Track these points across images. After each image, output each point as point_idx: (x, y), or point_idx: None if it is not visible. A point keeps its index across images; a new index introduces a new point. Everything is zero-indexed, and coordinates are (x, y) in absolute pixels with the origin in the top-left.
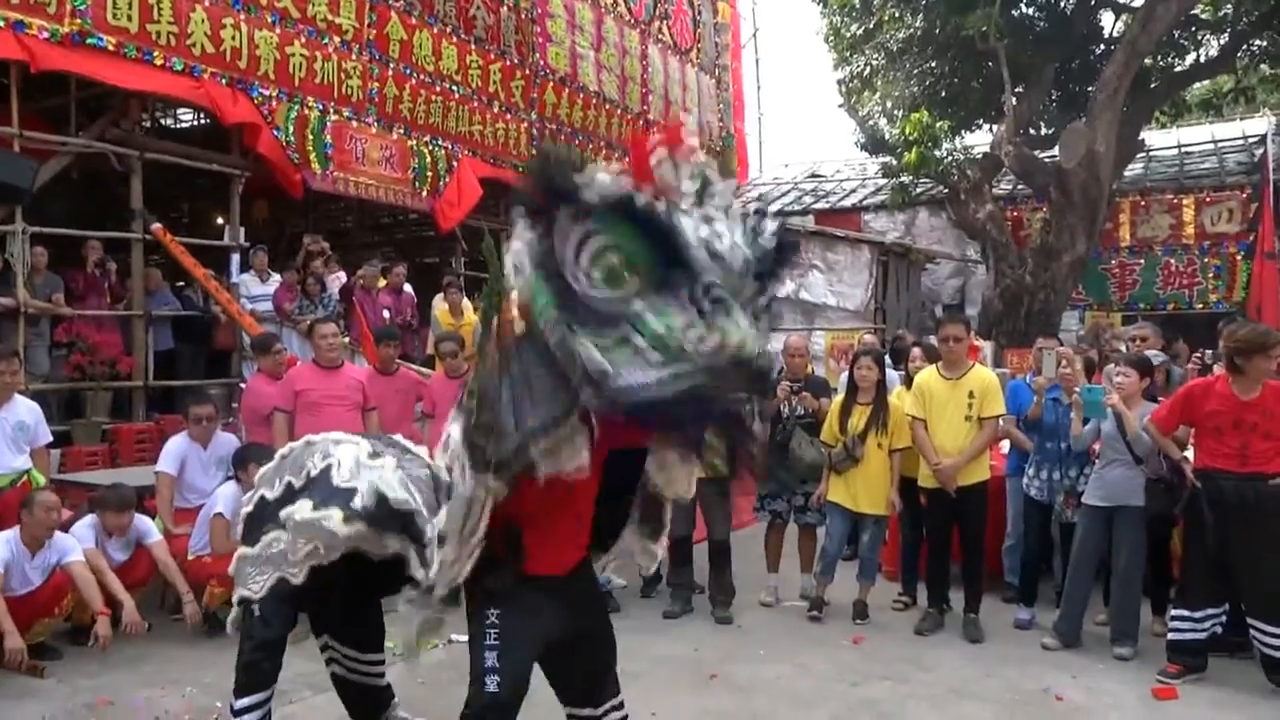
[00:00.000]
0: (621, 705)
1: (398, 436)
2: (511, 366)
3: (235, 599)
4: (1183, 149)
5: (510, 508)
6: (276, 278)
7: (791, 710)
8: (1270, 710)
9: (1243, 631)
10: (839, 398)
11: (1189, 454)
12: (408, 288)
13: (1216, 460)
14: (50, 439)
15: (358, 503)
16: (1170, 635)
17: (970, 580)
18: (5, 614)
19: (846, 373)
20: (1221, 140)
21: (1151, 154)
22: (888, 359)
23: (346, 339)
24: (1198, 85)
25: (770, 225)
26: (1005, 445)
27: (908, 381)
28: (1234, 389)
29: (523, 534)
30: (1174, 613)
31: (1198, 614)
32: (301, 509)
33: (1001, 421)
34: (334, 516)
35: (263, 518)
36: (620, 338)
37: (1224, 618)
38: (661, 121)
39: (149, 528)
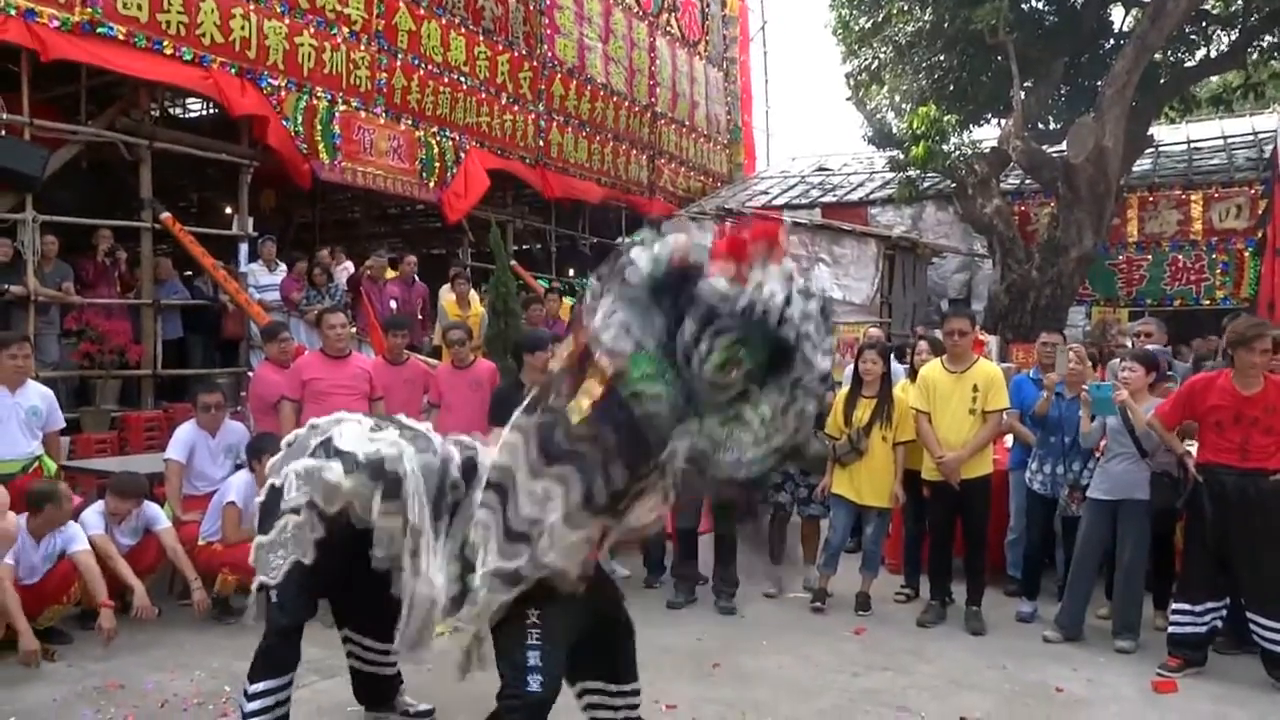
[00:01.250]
0: (638, 692)
1: (402, 416)
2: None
3: (255, 585)
4: (1192, 145)
5: None
6: (284, 267)
7: (793, 700)
8: (1270, 705)
9: (1243, 626)
10: (843, 390)
11: (1192, 449)
12: (419, 280)
13: (1218, 455)
14: (63, 424)
15: (360, 458)
16: (1170, 629)
17: (972, 573)
18: (20, 614)
19: (851, 366)
20: (1231, 136)
21: (1160, 149)
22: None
23: (354, 329)
24: (1207, 81)
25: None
26: (1009, 439)
27: (912, 374)
28: (1235, 384)
29: None
30: (1174, 606)
31: (1198, 607)
32: (304, 461)
33: (1005, 415)
34: (334, 468)
35: (275, 505)
36: (730, 417)
37: (1224, 611)
38: (669, 115)
39: (157, 514)
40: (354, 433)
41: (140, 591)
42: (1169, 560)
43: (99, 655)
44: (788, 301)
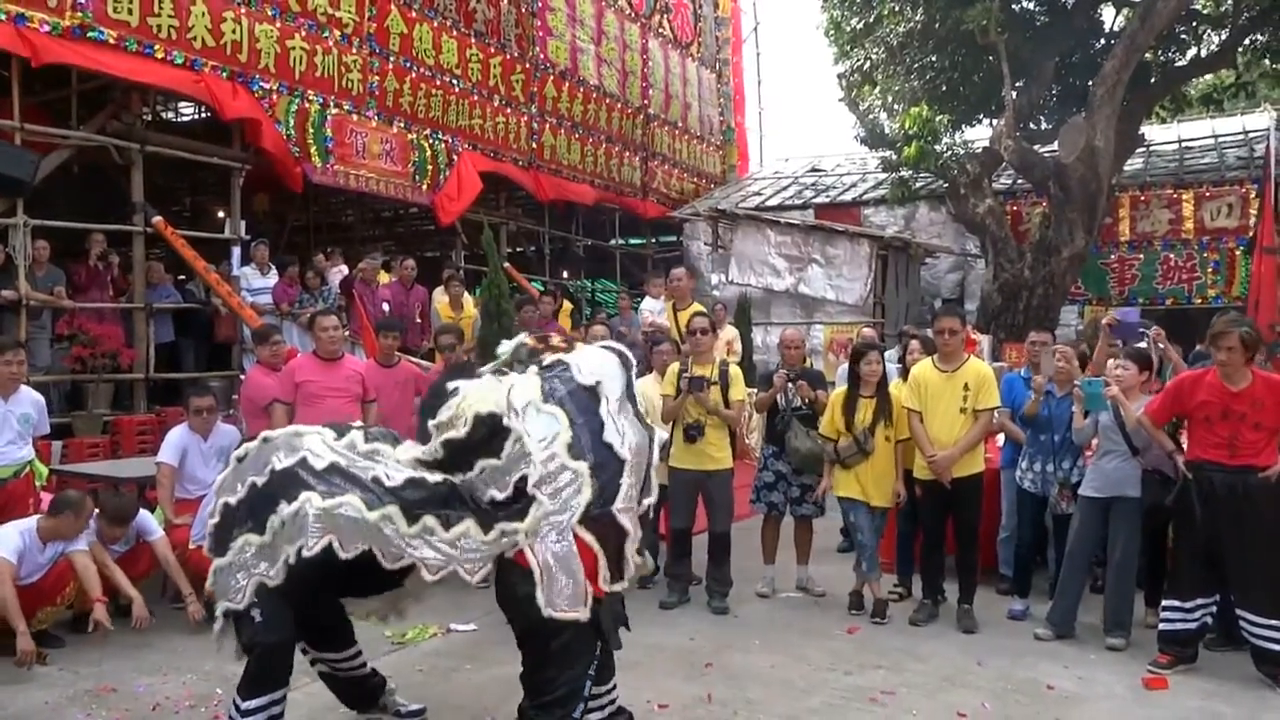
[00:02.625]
0: (615, 687)
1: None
2: None
3: (220, 612)
4: (1183, 144)
5: None
6: (276, 271)
7: (786, 698)
8: (1259, 702)
9: (1233, 624)
10: (839, 391)
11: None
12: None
13: (1207, 451)
14: (48, 430)
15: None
16: (1161, 626)
17: (964, 571)
18: (19, 613)
19: (845, 366)
20: (1222, 135)
21: (1151, 149)
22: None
23: (346, 331)
24: (1199, 80)
25: None
26: (1001, 438)
27: (904, 374)
28: (1223, 379)
29: None
30: (1165, 603)
31: (1188, 604)
32: (313, 500)
33: (996, 414)
34: (353, 503)
35: (230, 524)
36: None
37: (1214, 608)
38: (661, 116)
39: (150, 524)
40: (319, 445)
41: (139, 602)
42: (1160, 558)
43: (91, 659)
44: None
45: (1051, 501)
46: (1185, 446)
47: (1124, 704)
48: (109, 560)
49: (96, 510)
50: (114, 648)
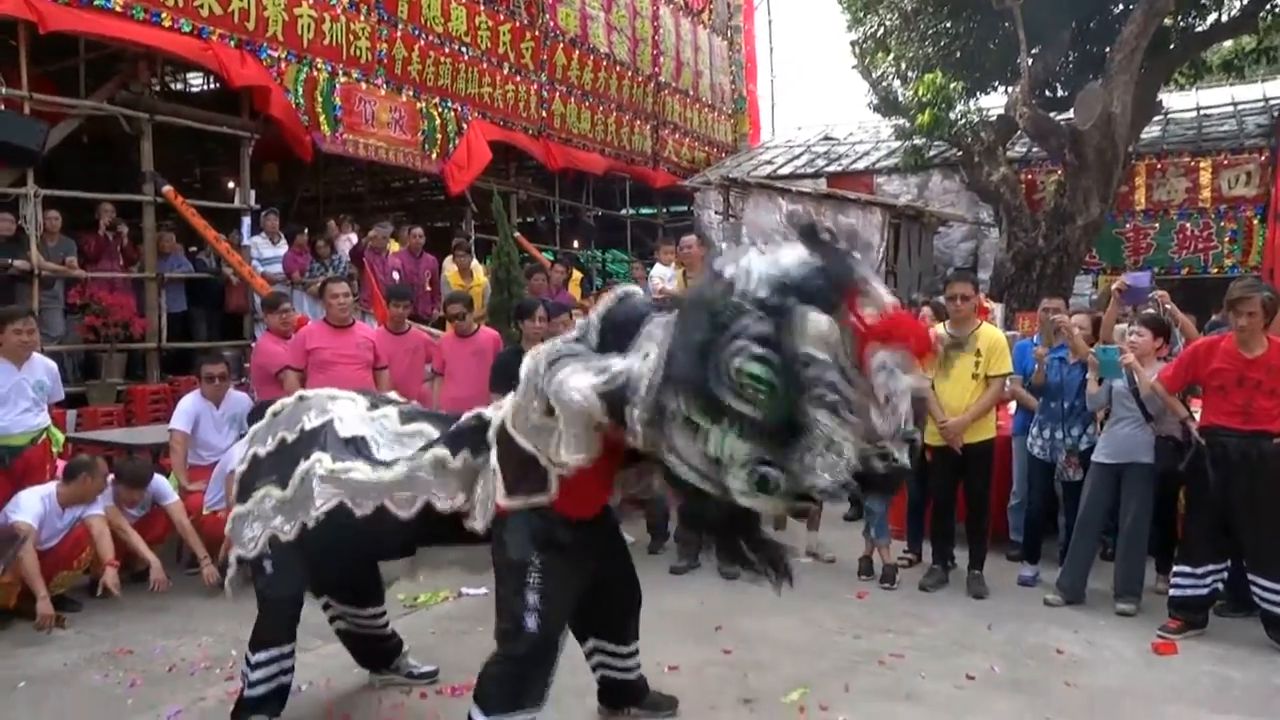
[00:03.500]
0: (637, 651)
1: (395, 396)
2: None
3: (232, 558)
4: (1201, 111)
5: None
6: (287, 241)
7: (795, 660)
8: (1270, 666)
9: (1244, 590)
10: None
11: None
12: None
13: (1220, 418)
14: (63, 396)
15: (379, 458)
16: (1171, 591)
17: (974, 537)
18: (39, 577)
19: None
20: (1242, 102)
21: (1170, 116)
22: None
23: (357, 299)
24: (1219, 46)
25: None
26: (1013, 405)
27: None
28: (1238, 347)
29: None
30: (1176, 569)
31: (1199, 570)
32: (323, 461)
33: (1008, 381)
34: (361, 468)
35: (256, 475)
36: (711, 426)
37: (1225, 574)
38: (672, 84)
39: (165, 489)
40: (352, 414)
41: (156, 566)
42: (1171, 525)
43: (108, 622)
44: (841, 397)
45: (1059, 468)
46: (1197, 413)
47: (1133, 668)
48: (126, 524)
49: (113, 475)
50: (130, 611)
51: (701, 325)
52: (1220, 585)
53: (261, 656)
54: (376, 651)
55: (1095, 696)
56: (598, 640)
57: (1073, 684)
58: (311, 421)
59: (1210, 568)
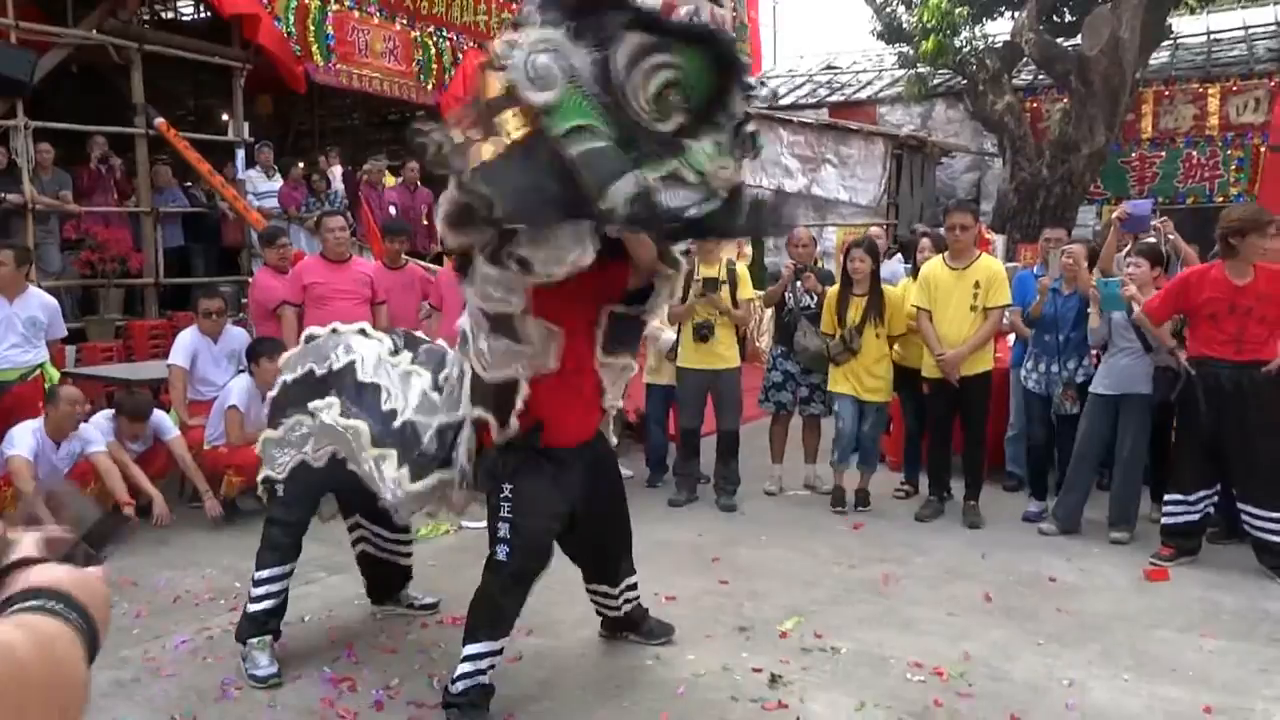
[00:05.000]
0: (635, 586)
1: (420, 334)
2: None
3: (260, 477)
4: (1211, 36)
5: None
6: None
7: (791, 590)
8: (1259, 590)
9: (1235, 518)
10: (833, 289)
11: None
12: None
13: (1212, 348)
14: (64, 334)
15: (387, 418)
16: (1164, 520)
17: (971, 469)
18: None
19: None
20: (1253, 26)
21: (1179, 41)
22: (900, 255)
23: (353, 234)
24: None
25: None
26: (1011, 337)
27: (913, 273)
28: (1228, 274)
29: (537, 410)
30: (1167, 496)
31: (1191, 496)
32: (330, 412)
33: (1007, 313)
34: (362, 430)
35: (285, 401)
36: (670, 168)
37: (1216, 498)
38: None
39: (166, 424)
40: (374, 357)
41: (159, 500)
42: (1165, 454)
43: (112, 555)
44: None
45: (1056, 402)
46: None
47: (1125, 594)
48: (128, 459)
49: (114, 409)
50: (134, 544)
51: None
52: (1211, 510)
53: (264, 574)
54: (387, 578)
55: (1085, 621)
56: (590, 584)
57: (1064, 610)
58: (339, 360)
59: (1202, 494)
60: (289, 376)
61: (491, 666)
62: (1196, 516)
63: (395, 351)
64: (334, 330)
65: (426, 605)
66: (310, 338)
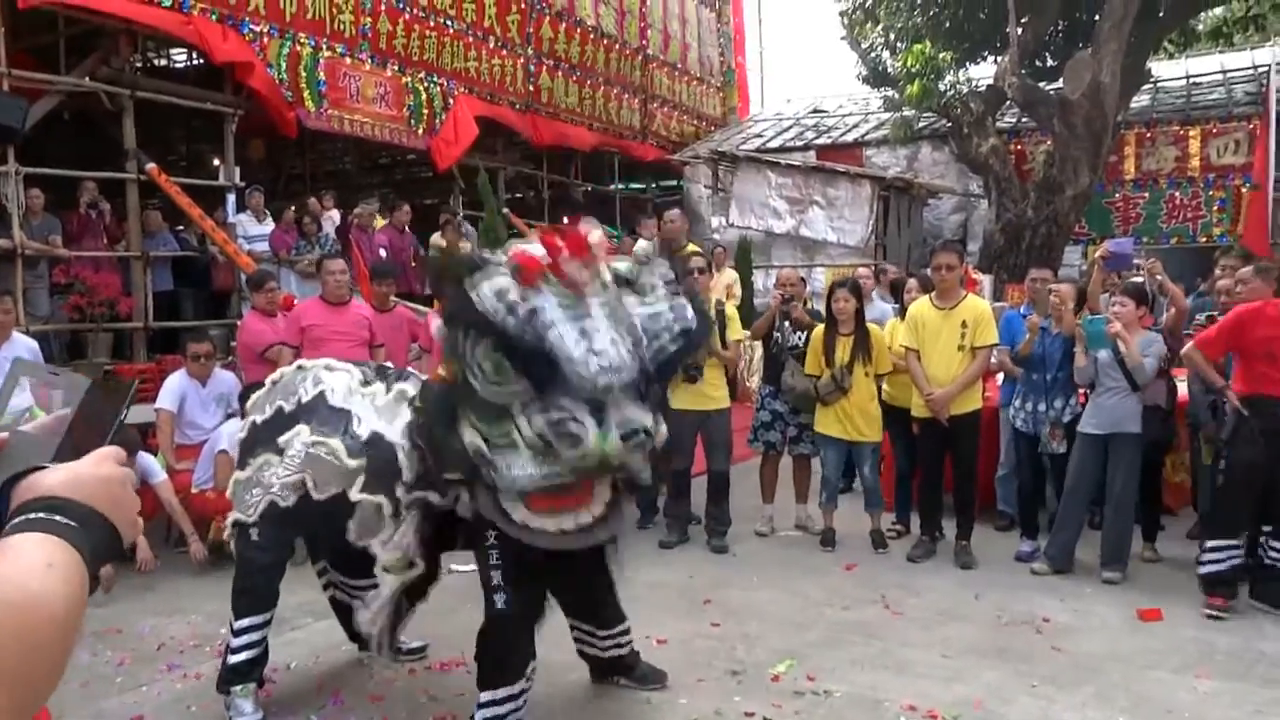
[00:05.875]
0: (628, 631)
1: (389, 365)
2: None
3: (230, 521)
4: (1190, 79)
5: None
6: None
7: (783, 632)
8: (1254, 631)
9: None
10: (819, 328)
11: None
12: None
13: (1266, 386)
14: None
15: (358, 432)
16: (1208, 568)
17: (962, 508)
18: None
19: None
20: (1230, 70)
21: (1159, 85)
22: (888, 294)
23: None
24: (1208, 13)
25: (686, 307)
26: (1000, 376)
27: (901, 313)
28: None
29: None
30: (1211, 543)
31: (1238, 540)
32: (298, 438)
33: (995, 352)
34: (337, 447)
35: (255, 442)
36: (505, 433)
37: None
38: (660, 58)
39: (153, 467)
40: (344, 386)
41: (143, 544)
42: (1156, 493)
43: (97, 600)
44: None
45: (1043, 441)
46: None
47: (1119, 634)
48: None
49: None
50: (119, 590)
51: None
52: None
53: (244, 623)
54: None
55: (1079, 662)
56: (574, 620)
57: (1058, 650)
58: (306, 394)
59: (1246, 535)
60: (258, 418)
61: (514, 711)
62: (1240, 560)
63: (366, 383)
64: (299, 367)
65: (414, 650)
66: (275, 379)
